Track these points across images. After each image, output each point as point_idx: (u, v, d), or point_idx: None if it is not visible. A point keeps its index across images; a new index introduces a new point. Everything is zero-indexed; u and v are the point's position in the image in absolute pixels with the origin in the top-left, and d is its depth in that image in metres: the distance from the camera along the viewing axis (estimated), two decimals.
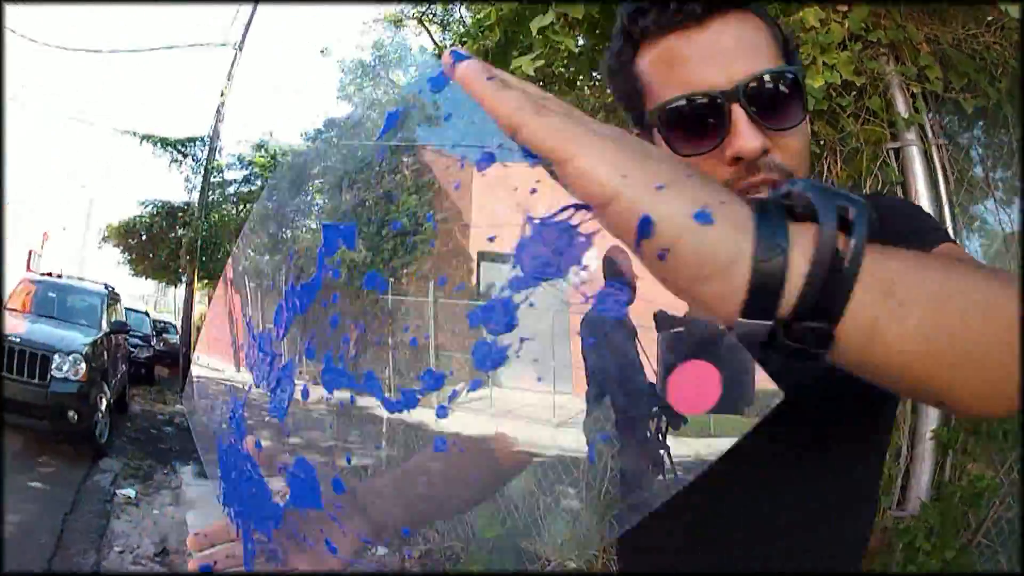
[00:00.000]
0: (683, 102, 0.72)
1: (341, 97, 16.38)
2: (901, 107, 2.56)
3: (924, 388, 0.47)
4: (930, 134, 2.60)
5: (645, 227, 0.39)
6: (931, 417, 2.50)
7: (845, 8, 2.63)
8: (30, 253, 15.24)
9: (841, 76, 2.49)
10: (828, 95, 2.51)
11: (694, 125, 0.72)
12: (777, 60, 0.74)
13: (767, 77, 0.71)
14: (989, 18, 2.38)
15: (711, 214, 0.39)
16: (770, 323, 0.40)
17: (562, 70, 3.35)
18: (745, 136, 0.70)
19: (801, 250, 0.39)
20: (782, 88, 0.72)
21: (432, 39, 12.66)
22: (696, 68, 0.72)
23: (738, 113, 0.70)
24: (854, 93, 2.54)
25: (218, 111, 13.91)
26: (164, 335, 17.20)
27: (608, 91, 2.42)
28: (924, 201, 2.50)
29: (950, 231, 2.52)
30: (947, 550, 2.37)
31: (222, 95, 13.82)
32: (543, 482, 3.59)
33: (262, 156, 15.88)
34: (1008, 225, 2.66)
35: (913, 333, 0.42)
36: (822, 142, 2.59)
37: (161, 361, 15.10)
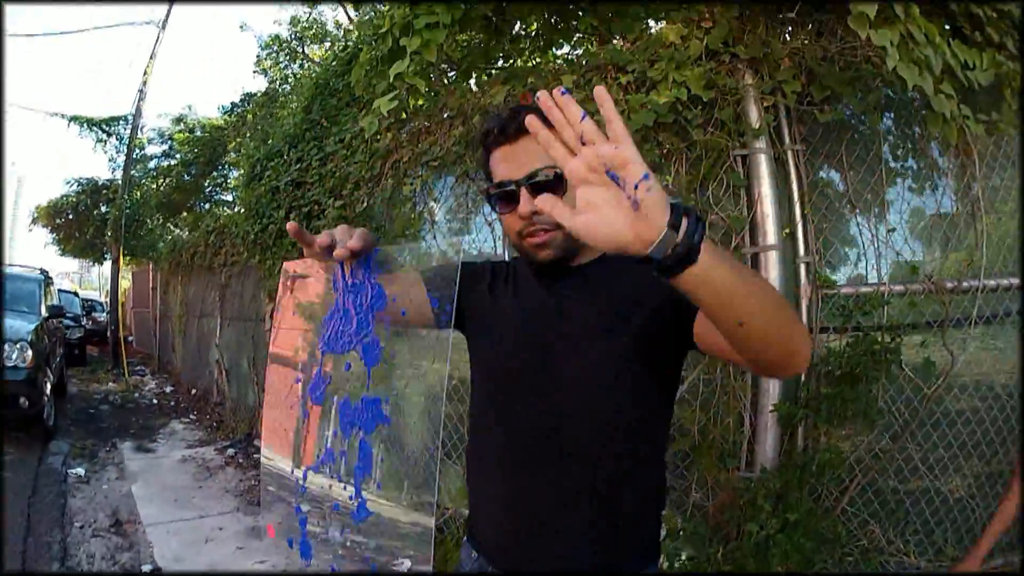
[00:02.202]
0: (500, 185, 1.25)
1: (257, 72, 16.00)
2: (753, 117, 2.70)
3: (733, 321, 0.89)
4: (786, 140, 2.77)
5: None
6: (772, 393, 2.72)
7: (709, 24, 2.78)
8: None
9: (689, 91, 2.65)
10: (675, 109, 2.67)
11: (505, 198, 1.26)
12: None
13: (539, 174, 1.21)
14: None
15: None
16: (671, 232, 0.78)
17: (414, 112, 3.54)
18: (523, 205, 1.22)
19: (684, 227, 0.78)
20: (548, 179, 1.21)
21: (347, 15, 12.54)
22: (508, 166, 1.25)
23: (523, 192, 1.22)
24: (701, 107, 2.69)
25: (141, 89, 13.53)
26: (93, 314, 16.81)
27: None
28: (767, 203, 2.69)
29: (799, 230, 2.77)
30: (790, 512, 2.58)
31: (145, 73, 13.43)
32: (435, 439, 3.77)
33: (181, 131, 15.48)
34: (863, 227, 2.90)
35: (729, 279, 0.85)
36: (667, 150, 2.75)
37: (91, 340, 14.78)
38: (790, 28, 2.89)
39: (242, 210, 5.74)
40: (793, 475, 2.67)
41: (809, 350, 1.03)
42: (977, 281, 2.83)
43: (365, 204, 3.90)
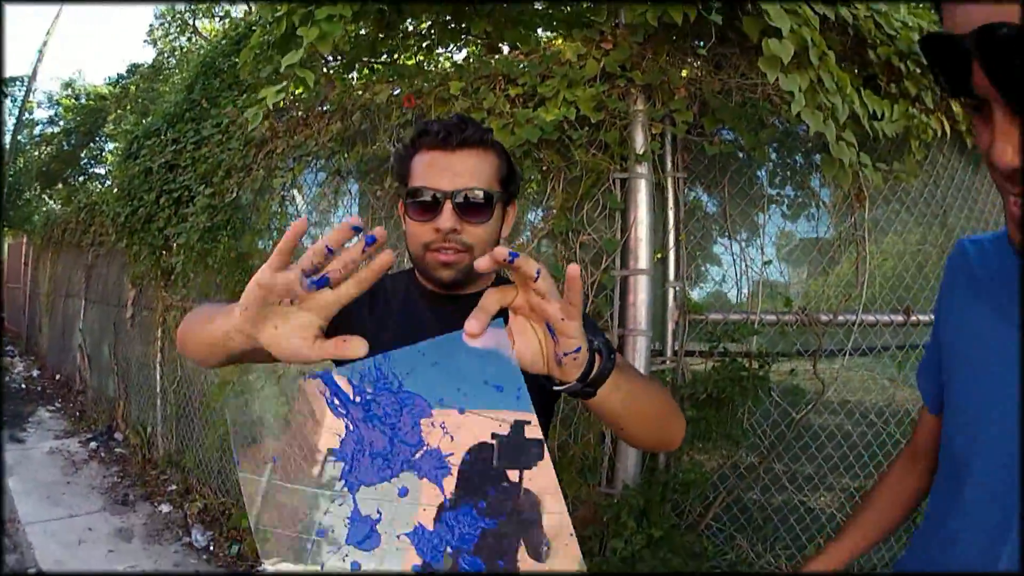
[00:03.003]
0: (423, 191, 1.18)
1: (148, 42, 15.24)
2: (639, 143, 2.66)
3: (630, 430, 1.03)
4: (669, 166, 2.74)
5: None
6: None
7: (609, 46, 2.72)
8: None
9: (578, 111, 2.59)
10: (561, 128, 2.60)
11: (425, 205, 1.19)
12: (491, 181, 1.22)
13: (470, 193, 1.18)
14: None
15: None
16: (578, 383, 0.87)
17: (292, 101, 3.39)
18: (445, 219, 1.17)
19: (598, 362, 0.87)
20: (478, 200, 1.19)
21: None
22: (438, 174, 1.19)
23: (447, 206, 1.17)
24: (587, 128, 2.63)
25: (40, 50, 12.65)
26: None
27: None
28: (643, 228, 2.65)
29: (671, 255, 2.76)
30: (654, 528, 2.57)
31: (47, 34, 12.56)
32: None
33: (68, 96, 14.58)
34: (737, 258, 2.93)
35: (622, 406, 0.94)
36: (545, 168, 2.69)
37: None
38: (689, 58, 2.86)
39: (115, 188, 5.35)
40: (656, 492, 2.66)
41: (682, 434, 1.13)
42: (854, 315, 2.86)
43: (235, 194, 3.65)
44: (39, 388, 9.00)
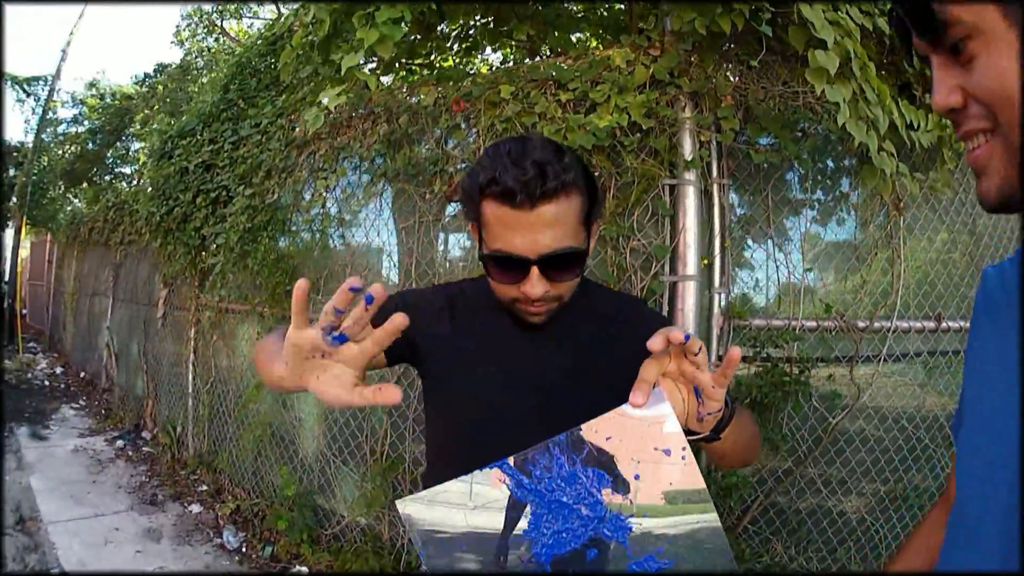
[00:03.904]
0: (504, 254, 1.09)
1: (175, 43, 15.28)
2: (687, 150, 2.66)
3: (733, 458, 1.17)
4: (715, 173, 2.74)
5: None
6: (670, 442, 2.69)
7: (657, 52, 2.72)
8: None
9: (630, 118, 2.58)
10: (613, 134, 2.59)
11: (507, 267, 1.11)
12: (576, 229, 1.11)
13: (558, 253, 1.09)
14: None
15: None
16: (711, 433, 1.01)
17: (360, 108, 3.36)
18: (534, 285, 1.10)
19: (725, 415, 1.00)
20: (565, 258, 1.10)
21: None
22: (517, 238, 1.07)
23: (534, 271, 1.09)
24: (639, 134, 2.62)
25: (64, 49, 12.70)
26: None
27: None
28: (691, 234, 2.64)
29: (717, 261, 2.75)
30: None
31: (71, 34, 12.63)
32: (332, 446, 3.64)
33: (93, 96, 14.64)
34: (780, 263, 2.94)
35: (732, 444, 1.05)
36: (598, 173, 2.66)
37: None
38: (733, 65, 2.86)
39: (149, 188, 5.36)
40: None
41: (759, 453, 1.27)
42: (889, 322, 2.90)
43: (276, 195, 3.65)
44: (62, 386, 8.88)
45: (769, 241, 2.93)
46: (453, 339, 1.26)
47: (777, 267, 2.94)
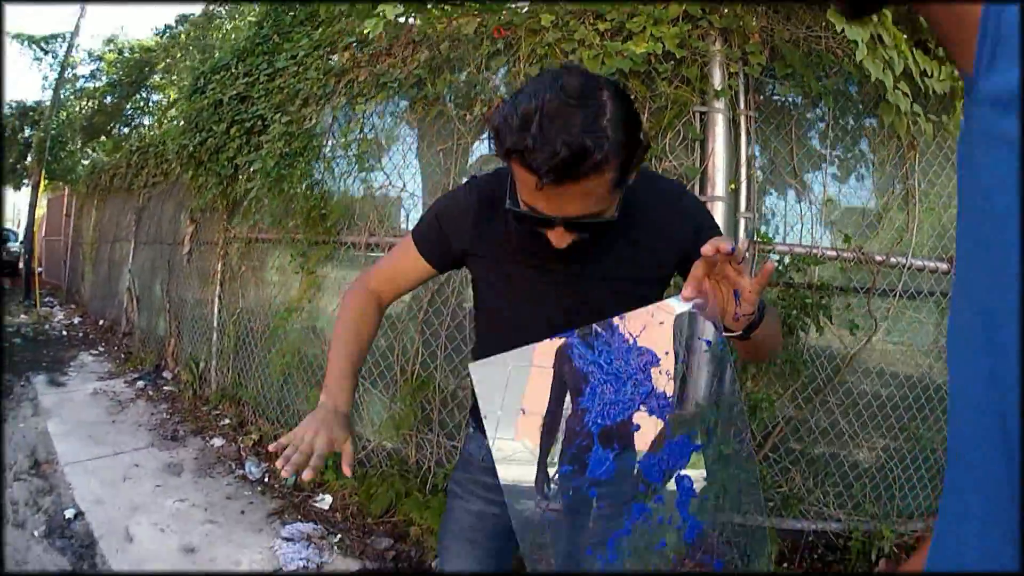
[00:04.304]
0: (529, 211, 1.10)
1: None
2: (717, 80, 2.78)
3: (759, 353, 1.28)
4: (742, 105, 2.86)
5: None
6: (707, 333, 2.79)
7: None
8: None
9: (664, 47, 2.70)
10: (648, 61, 2.71)
11: (534, 221, 1.12)
12: (607, 195, 1.08)
13: (584, 220, 1.10)
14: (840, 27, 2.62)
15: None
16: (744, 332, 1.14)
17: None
18: (559, 239, 1.13)
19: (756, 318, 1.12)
20: (592, 224, 1.11)
21: None
22: (543, 202, 1.07)
23: (559, 228, 1.11)
24: (672, 62, 2.74)
25: (82, 5, 12.67)
26: (7, 244, 15.76)
27: None
28: (719, 158, 2.77)
29: (743, 187, 2.86)
30: (723, 446, 2.69)
31: None
32: (362, 370, 3.70)
33: (111, 51, 14.62)
34: (801, 196, 3.07)
35: (759, 342, 1.17)
36: (633, 96, 2.77)
37: (3, 272, 13.84)
38: (762, 9, 2.96)
39: (182, 122, 5.42)
40: (724, 410, 2.73)
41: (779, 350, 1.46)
42: (905, 259, 3.02)
43: (314, 121, 3.73)
44: (80, 335, 8.90)
45: (790, 189, 3.05)
46: (490, 239, 1.33)
47: (805, 202, 3.06)
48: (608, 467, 1.10)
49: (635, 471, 1.13)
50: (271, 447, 1.29)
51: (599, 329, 1.08)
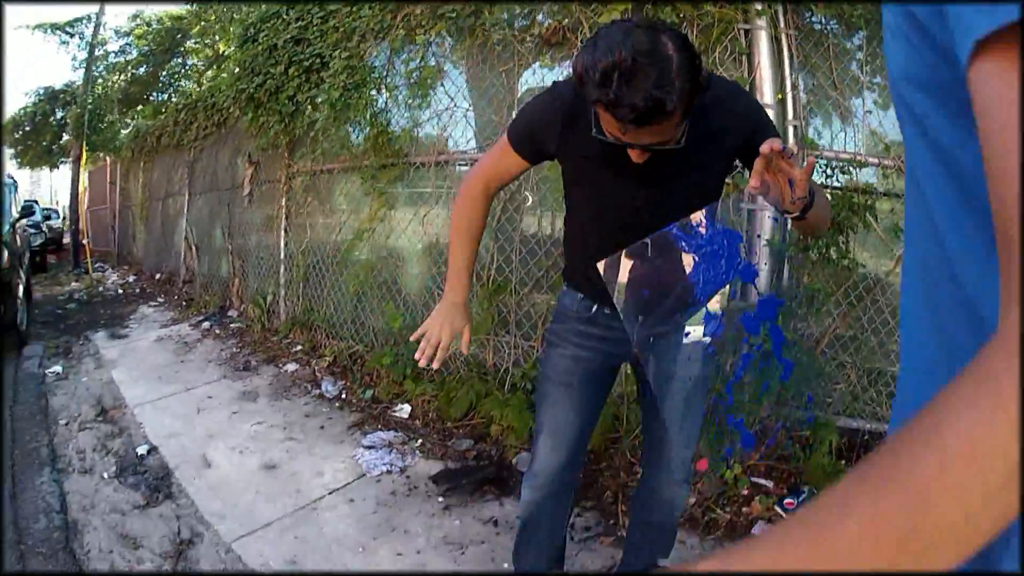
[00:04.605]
0: (611, 139, 1.36)
1: None
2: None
3: (816, 229, 1.49)
4: (781, 25, 3.02)
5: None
6: (765, 229, 2.92)
7: None
8: None
9: None
10: None
11: (614, 144, 1.37)
12: (676, 129, 1.35)
13: (657, 148, 1.37)
14: None
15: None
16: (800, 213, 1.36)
17: None
18: (637, 156, 1.42)
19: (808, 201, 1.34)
20: (664, 151, 1.39)
21: None
22: (620, 133, 1.31)
23: (635, 151, 1.40)
24: None
25: None
26: (48, 222, 16.20)
27: None
28: (765, 71, 2.97)
29: (789, 97, 3.02)
30: (787, 332, 2.80)
31: None
32: (436, 279, 3.89)
33: (138, 26, 14.82)
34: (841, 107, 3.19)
35: (813, 220, 1.39)
36: (682, 15, 2.98)
37: (48, 248, 14.16)
38: None
39: (236, 69, 5.63)
40: (786, 303, 2.95)
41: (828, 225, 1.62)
42: None
43: (374, 54, 3.93)
44: (137, 291, 9.00)
45: (834, 87, 3.17)
46: (576, 144, 1.55)
47: (842, 115, 3.19)
48: (718, 328, 1.45)
49: (738, 327, 1.48)
50: (412, 336, 1.70)
51: (699, 216, 1.41)
